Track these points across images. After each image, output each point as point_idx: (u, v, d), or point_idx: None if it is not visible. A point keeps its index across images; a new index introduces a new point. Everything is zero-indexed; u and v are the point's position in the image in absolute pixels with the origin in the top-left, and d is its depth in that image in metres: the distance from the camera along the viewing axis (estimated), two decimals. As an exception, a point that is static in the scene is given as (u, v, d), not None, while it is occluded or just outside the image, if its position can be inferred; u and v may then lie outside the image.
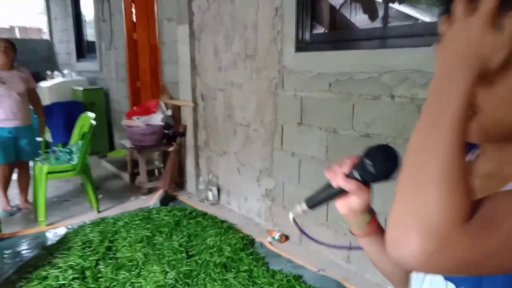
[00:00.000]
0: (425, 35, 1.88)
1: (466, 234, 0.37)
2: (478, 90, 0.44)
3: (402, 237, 0.38)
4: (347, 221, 0.68)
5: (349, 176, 0.60)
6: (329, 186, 0.63)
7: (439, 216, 0.37)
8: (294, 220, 0.70)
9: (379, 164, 0.57)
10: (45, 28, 7.81)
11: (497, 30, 0.40)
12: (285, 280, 2.19)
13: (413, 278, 0.63)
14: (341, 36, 2.46)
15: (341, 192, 0.62)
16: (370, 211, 0.65)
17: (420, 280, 0.60)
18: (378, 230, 0.67)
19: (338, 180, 0.60)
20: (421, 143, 0.40)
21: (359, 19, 2.57)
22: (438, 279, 0.55)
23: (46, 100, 5.19)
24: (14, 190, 3.36)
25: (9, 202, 3.34)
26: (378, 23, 2.38)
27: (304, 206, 0.66)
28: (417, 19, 2.30)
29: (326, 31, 2.55)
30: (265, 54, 2.76)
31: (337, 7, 2.63)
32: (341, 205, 0.64)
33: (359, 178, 0.59)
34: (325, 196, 0.64)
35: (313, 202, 0.66)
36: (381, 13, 2.38)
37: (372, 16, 2.44)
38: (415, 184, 0.39)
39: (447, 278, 0.53)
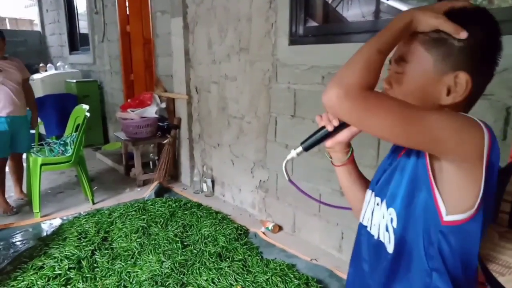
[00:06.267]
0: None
1: (363, 95, 0.63)
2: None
3: (330, 88, 0.64)
4: (332, 154, 0.90)
5: None
6: (321, 130, 0.79)
7: (353, 79, 0.63)
8: (285, 167, 0.85)
9: None
10: (36, 19, 7.71)
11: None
12: (278, 269, 2.24)
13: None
14: (334, 29, 2.49)
15: (333, 132, 0.78)
16: (350, 146, 0.89)
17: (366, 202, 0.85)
18: (353, 161, 0.91)
19: (334, 123, 0.78)
20: (362, 47, 0.67)
21: (350, 13, 2.60)
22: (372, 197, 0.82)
23: (38, 92, 5.16)
24: (8, 182, 3.36)
25: (8, 202, 3.23)
26: (370, 17, 2.41)
27: (299, 149, 0.80)
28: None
29: (319, 24, 2.58)
30: (258, 47, 2.78)
31: (330, 1, 2.65)
32: (330, 141, 0.81)
33: None
34: (319, 137, 0.79)
35: (308, 144, 0.80)
36: (373, 7, 2.42)
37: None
38: (348, 64, 0.66)
39: (382, 198, 0.78)
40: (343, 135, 0.79)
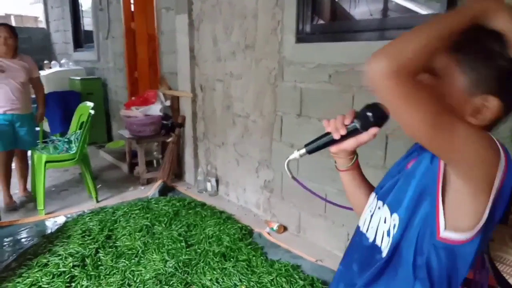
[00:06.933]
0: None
1: (409, 79, 0.56)
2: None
3: (379, 58, 0.57)
4: (336, 159, 0.89)
5: (348, 126, 0.75)
6: (327, 134, 0.77)
7: (406, 58, 0.56)
8: (287, 166, 0.84)
9: (377, 115, 0.73)
10: (41, 16, 7.71)
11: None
12: (283, 270, 2.22)
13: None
14: (341, 27, 2.46)
15: (339, 140, 0.76)
16: (355, 152, 0.86)
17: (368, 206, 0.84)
18: (358, 167, 0.90)
19: (341, 132, 0.75)
20: (421, 27, 0.59)
21: (358, 11, 2.57)
22: (378, 205, 0.80)
23: (43, 90, 5.16)
24: (13, 179, 3.35)
25: (11, 196, 3.26)
26: (377, 15, 2.38)
27: (303, 151, 0.79)
28: (416, 12, 2.31)
29: (326, 22, 2.55)
30: (264, 45, 2.75)
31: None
32: (335, 147, 0.80)
33: (358, 126, 0.75)
34: (324, 142, 0.78)
35: (312, 148, 0.79)
36: (381, 5, 2.39)
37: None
38: (403, 40, 0.58)
39: (384, 202, 0.77)
40: (349, 143, 0.77)
